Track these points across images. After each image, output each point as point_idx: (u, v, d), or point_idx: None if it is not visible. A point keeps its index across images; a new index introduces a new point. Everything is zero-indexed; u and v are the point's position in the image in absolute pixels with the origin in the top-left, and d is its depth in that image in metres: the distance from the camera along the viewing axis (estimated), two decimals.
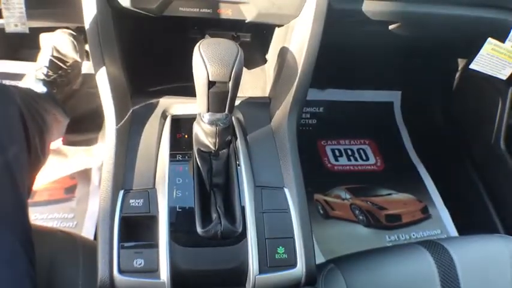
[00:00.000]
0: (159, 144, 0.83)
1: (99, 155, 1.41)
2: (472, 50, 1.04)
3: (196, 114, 0.76)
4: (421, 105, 1.82)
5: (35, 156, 0.88)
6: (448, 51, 1.52)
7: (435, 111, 1.73)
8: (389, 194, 1.60)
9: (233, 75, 0.64)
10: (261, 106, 0.92)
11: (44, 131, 0.96)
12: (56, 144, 1.38)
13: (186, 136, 0.84)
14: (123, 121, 0.84)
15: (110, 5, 0.80)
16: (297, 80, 0.85)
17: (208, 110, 0.70)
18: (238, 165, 0.80)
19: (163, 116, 0.88)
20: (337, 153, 1.74)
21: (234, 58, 0.64)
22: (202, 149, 0.77)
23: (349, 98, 1.85)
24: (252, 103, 0.93)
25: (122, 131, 0.83)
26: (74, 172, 1.40)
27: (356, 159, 1.73)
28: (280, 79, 0.89)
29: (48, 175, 1.37)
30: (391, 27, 1.01)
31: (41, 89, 1.20)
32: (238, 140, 0.83)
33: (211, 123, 0.72)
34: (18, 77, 1.38)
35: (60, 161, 1.40)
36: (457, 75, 1.58)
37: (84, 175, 1.39)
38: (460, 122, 1.61)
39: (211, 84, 0.65)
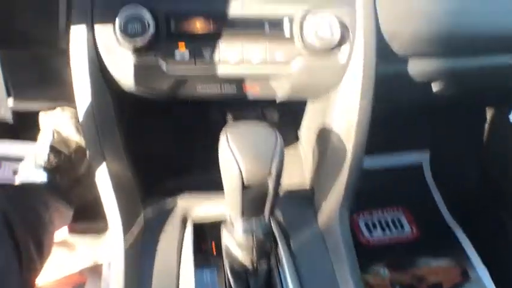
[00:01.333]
0: (180, 259, 0.69)
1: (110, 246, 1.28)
2: (506, 98, 0.94)
3: (223, 215, 0.62)
4: (453, 164, 1.73)
5: (29, 260, 0.80)
6: (479, 101, 1.42)
7: (468, 169, 1.64)
8: (428, 263, 1.52)
9: (273, 171, 0.51)
10: (304, 200, 0.79)
11: (38, 227, 0.87)
12: (62, 234, 1.26)
13: (213, 244, 0.70)
14: (132, 230, 0.70)
15: (109, 89, 0.67)
16: (348, 165, 0.71)
17: (242, 215, 0.56)
18: (283, 281, 0.65)
19: (183, 221, 0.74)
20: (370, 226, 1.66)
21: (272, 148, 0.51)
22: (235, 265, 0.63)
23: (375, 165, 1.75)
24: (292, 197, 0.80)
25: (131, 242, 0.69)
26: (83, 268, 1.26)
27: (390, 230, 1.65)
28: (325, 165, 0.75)
29: (54, 271, 1.23)
30: (434, 86, 0.90)
31: (41, 177, 1.09)
32: (280, 247, 0.69)
33: (246, 231, 0.58)
34: (17, 159, 1.28)
35: (67, 254, 1.27)
36: (489, 127, 1.49)
37: (95, 271, 1.26)
38: (496, 179, 1.52)
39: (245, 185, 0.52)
